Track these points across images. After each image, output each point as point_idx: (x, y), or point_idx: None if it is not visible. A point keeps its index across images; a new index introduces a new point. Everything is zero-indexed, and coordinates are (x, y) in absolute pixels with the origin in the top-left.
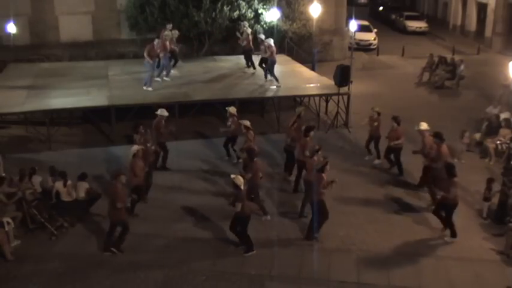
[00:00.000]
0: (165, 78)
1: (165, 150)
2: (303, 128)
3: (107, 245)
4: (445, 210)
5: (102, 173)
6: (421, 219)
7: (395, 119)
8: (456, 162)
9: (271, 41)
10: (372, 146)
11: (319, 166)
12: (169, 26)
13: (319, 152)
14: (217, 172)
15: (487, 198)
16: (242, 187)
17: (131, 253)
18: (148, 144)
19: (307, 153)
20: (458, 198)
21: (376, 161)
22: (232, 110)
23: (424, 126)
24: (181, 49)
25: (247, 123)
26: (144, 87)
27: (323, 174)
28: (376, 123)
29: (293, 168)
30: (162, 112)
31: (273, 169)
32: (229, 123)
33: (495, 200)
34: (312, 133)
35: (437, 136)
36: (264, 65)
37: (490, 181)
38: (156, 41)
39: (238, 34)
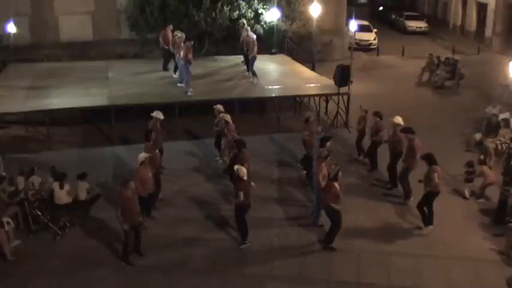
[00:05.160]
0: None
1: (160, 151)
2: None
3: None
4: (427, 200)
5: (102, 173)
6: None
7: (377, 114)
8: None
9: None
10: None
11: (332, 174)
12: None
13: (328, 159)
14: (217, 172)
15: (468, 180)
16: (245, 177)
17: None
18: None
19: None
20: (439, 186)
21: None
22: (219, 107)
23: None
24: None
25: (228, 117)
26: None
27: (335, 183)
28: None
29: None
30: (158, 114)
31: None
32: (216, 120)
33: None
34: (328, 143)
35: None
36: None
37: (470, 164)
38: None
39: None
